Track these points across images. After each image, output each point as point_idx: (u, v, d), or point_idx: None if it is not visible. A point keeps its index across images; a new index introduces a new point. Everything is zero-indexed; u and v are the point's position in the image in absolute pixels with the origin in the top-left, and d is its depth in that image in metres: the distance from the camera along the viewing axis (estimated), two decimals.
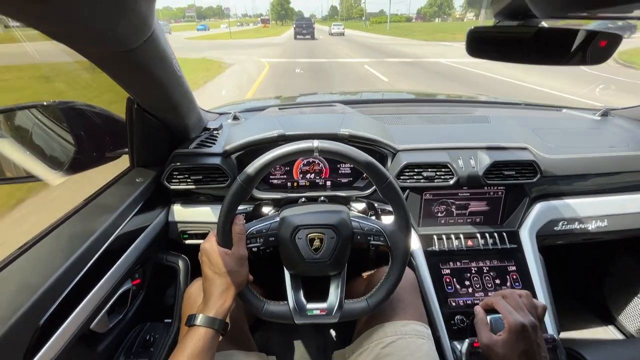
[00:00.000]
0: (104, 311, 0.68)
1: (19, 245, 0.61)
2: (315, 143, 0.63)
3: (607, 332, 1.26)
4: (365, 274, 1.02)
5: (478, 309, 0.66)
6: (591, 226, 1.01)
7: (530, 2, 0.48)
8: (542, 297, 0.91)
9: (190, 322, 0.58)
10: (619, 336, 1.25)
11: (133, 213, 0.79)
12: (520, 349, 0.56)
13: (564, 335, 0.93)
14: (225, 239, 0.63)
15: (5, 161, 0.80)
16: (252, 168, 0.63)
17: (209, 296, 0.61)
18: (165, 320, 0.92)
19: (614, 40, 0.66)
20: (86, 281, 0.61)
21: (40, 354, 0.50)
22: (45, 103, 0.78)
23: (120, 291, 0.74)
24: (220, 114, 1.25)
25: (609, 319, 1.30)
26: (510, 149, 0.98)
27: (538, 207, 0.99)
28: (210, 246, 0.63)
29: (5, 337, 0.45)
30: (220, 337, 0.60)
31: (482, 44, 0.72)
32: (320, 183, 1.03)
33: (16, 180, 0.86)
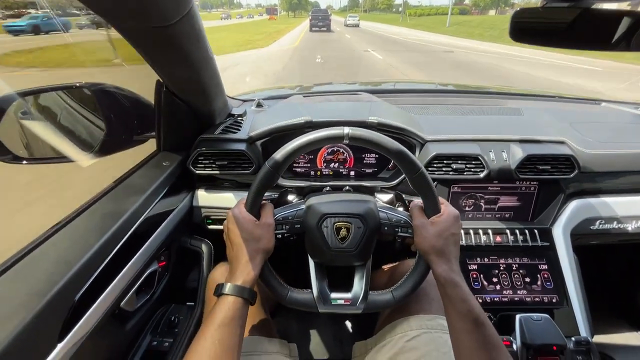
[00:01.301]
0: (133, 290, 0.69)
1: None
2: (346, 130, 0.62)
3: None
4: (386, 267, 1.00)
5: (415, 200, 0.70)
6: (631, 226, 0.95)
7: None
8: (576, 298, 0.87)
9: (219, 291, 0.57)
10: None
11: (160, 196, 0.80)
12: (450, 232, 0.61)
13: (598, 338, 0.88)
14: (253, 213, 0.63)
15: (38, 142, 0.82)
16: (280, 154, 0.62)
17: (237, 264, 0.59)
18: (188, 303, 0.93)
19: None
20: (117, 260, 0.62)
21: (77, 328, 0.51)
22: (77, 84, 0.80)
23: (147, 272, 0.75)
24: (244, 100, 1.24)
25: None
26: (546, 143, 0.93)
27: (574, 204, 0.94)
28: (239, 212, 0.62)
29: (44, 310, 0.47)
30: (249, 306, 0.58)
31: (527, 28, 0.68)
32: (344, 173, 1.01)
33: (48, 161, 0.88)
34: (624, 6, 0.70)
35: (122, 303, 0.66)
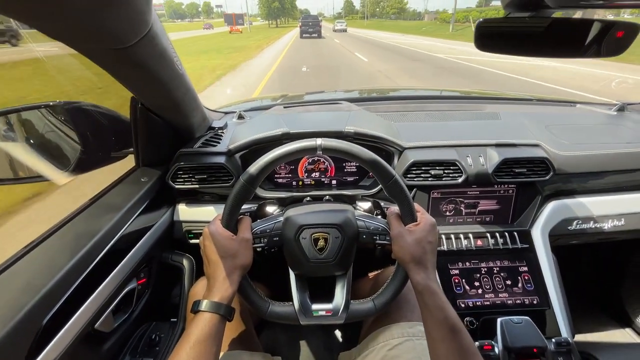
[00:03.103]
0: (109, 310, 0.68)
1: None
2: (319, 141, 0.62)
3: (624, 335, 1.22)
4: (371, 274, 1.00)
5: (391, 208, 0.70)
6: (607, 225, 0.97)
7: None
8: (556, 298, 0.88)
9: (195, 308, 0.57)
10: (637, 339, 1.21)
11: (138, 212, 0.79)
12: (427, 240, 0.62)
13: (579, 338, 0.89)
14: (229, 227, 0.63)
15: (13, 161, 0.81)
16: (254, 168, 0.62)
17: (214, 281, 0.59)
18: (171, 320, 0.92)
19: (632, 30, 0.63)
20: (91, 280, 0.61)
21: (43, 354, 0.50)
22: (51, 103, 0.79)
23: (125, 290, 0.74)
24: (226, 112, 1.25)
25: (625, 321, 1.25)
26: (521, 146, 0.95)
27: (551, 206, 0.96)
28: (215, 229, 0.62)
29: (7, 337, 0.45)
30: (227, 322, 0.58)
31: (492, 37, 0.69)
32: (326, 182, 1.02)
33: (24, 180, 0.87)
34: (589, 15, 0.73)
35: (96, 324, 0.65)
